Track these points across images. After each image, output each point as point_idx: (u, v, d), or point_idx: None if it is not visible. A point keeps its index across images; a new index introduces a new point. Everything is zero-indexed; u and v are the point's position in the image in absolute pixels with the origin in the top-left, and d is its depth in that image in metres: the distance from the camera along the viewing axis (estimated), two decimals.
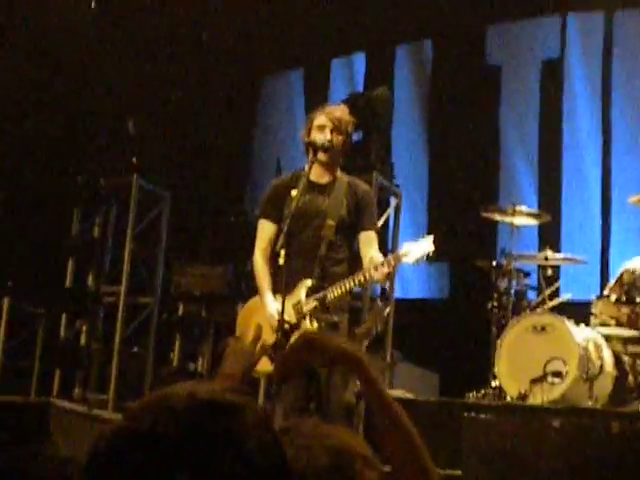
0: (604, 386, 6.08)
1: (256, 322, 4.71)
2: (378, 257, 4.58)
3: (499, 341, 6.28)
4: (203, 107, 9.69)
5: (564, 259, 6.91)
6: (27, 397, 7.35)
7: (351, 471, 1.68)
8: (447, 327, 8.23)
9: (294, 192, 4.66)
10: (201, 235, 8.94)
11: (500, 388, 6.26)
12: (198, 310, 8.04)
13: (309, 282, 4.65)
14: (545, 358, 6.02)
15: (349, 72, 9.86)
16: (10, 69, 8.29)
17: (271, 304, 4.65)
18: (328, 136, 4.74)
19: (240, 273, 7.64)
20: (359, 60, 9.83)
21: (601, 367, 6.06)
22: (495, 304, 6.78)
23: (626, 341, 6.21)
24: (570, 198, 8.39)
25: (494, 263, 6.92)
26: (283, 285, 4.45)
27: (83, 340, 8.04)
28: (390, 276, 4.74)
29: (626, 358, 6.23)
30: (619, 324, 6.23)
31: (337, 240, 4.74)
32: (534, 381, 5.94)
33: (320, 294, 4.59)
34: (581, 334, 6.12)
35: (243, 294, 6.98)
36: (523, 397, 5.93)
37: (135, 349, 8.04)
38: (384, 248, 6.02)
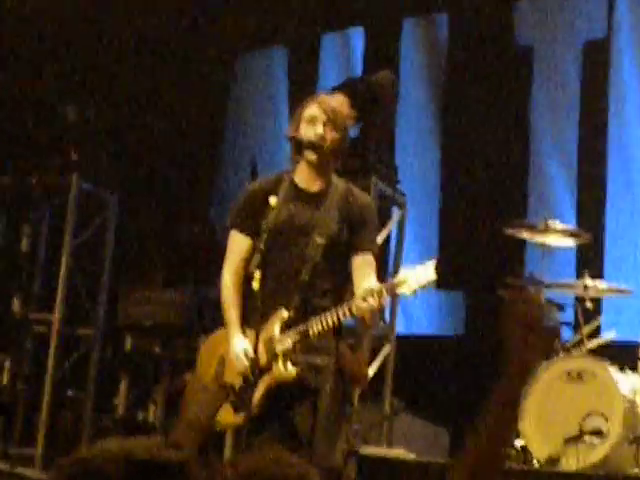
0: None
1: (220, 355, 4.69)
2: (375, 288, 4.51)
3: (525, 391, 6.29)
4: (162, 90, 9.68)
5: (607, 289, 6.92)
6: None
7: None
8: (460, 371, 8.23)
9: (273, 200, 4.63)
10: (155, 251, 8.92)
11: (526, 449, 6.27)
12: (150, 345, 8.03)
13: (285, 314, 4.58)
14: (582, 413, 6.03)
15: (344, 51, 9.87)
16: None
17: (238, 343, 4.61)
18: (320, 130, 4.71)
19: (202, 299, 7.62)
20: (357, 36, 9.84)
21: None
22: None
23: None
24: (616, 213, 8.40)
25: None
26: (258, 315, 4.44)
27: (5, 379, 8.01)
28: (380, 309, 4.68)
29: None
30: None
31: (325, 264, 4.68)
32: (568, 441, 5.96)
33: (300, 328, 4.54)
34: (627, 383, 6.14)
35: (206, 326, 6.96)
36: (554, 461, 5.95)
37: (70, 392, 8.01)
38: (384, 272, 6.01)
